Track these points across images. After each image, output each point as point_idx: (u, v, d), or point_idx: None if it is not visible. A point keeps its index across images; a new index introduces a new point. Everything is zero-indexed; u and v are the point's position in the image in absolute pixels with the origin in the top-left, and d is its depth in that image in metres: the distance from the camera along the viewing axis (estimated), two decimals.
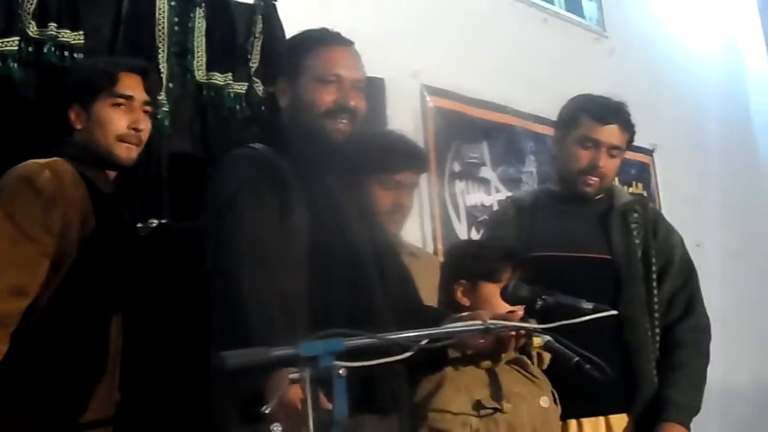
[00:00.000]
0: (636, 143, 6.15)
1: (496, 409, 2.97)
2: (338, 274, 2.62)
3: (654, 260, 3.63)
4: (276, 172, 2.68)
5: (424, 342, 2.15)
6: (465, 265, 3.19)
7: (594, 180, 3.63)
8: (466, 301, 3.16)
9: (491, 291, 3.13)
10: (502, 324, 2.54)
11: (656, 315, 3.60)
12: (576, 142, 3.62)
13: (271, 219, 2.60)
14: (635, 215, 3.68)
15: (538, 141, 5.39)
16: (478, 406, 2.97)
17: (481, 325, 2.46)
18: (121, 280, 2.86)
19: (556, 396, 3.17)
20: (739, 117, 7.72)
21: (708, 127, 7.08)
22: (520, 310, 2.97)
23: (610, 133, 3.60)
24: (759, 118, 7.93)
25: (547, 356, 3.19)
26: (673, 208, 6.35)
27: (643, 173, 6.42)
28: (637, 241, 3.62)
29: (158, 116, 3.26)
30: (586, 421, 3.44)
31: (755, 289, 7.08)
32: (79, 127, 2.93)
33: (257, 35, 3.75)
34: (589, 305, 2.65)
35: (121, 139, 2.92)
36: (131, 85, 2.95)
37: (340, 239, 2.66)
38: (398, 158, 3.32)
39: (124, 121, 2.92)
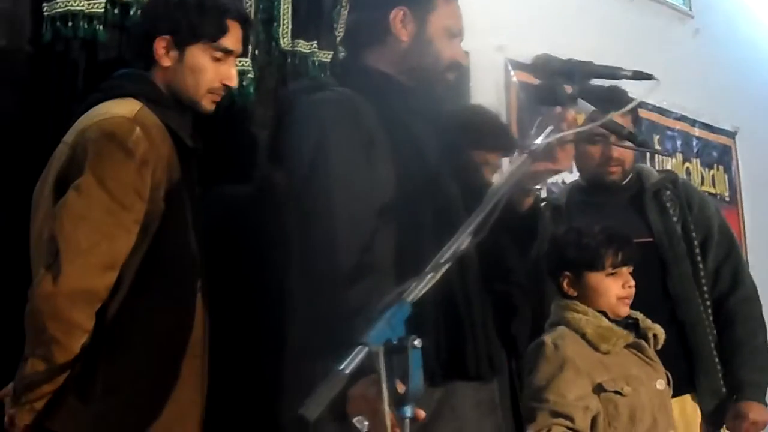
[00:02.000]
0: (718, 125, 6.15)
1: (616, 392, 2.96)
2: (430, 224, 2.37)
3: (694, 234, 3.63)
4: (364, 115, 2.42)
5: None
6: (568, 255, 3.14)
7: (615, 168, 3.64)
8: (573, 292, 3.13)
9: (597, 279, 3.10)
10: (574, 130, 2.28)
11: (705, 290, 3.60)
12: (584, 140, 3.59)
13: (363, 164, 2.35)
14: (668, 193, 3.68)
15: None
16: (599, 389, 2.97)
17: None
18: (203, 244, 2.68)
19: (670, 378, 3.14)
20: None
21: None
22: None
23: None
24: None
25: (661, 337, 3.18)
26: (754, 191, 6.27)
27: (724, 156, 6.30)
28: (674, 219, 3.63)
29: (244, 83, 3.21)
30: None
31: None
32: (166, 64, 2.70)
33: (344, 4, 3.69)
34: (627, 71, 2.30)
35: (211, 91, 2.75)
36: (235, 38, 2.77)
37: (434, 190, 2.41)
38: (491, 137, 3.28)
39: (219, 74, 2.74)
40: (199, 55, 2.72)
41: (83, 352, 2.42)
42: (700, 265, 3.62)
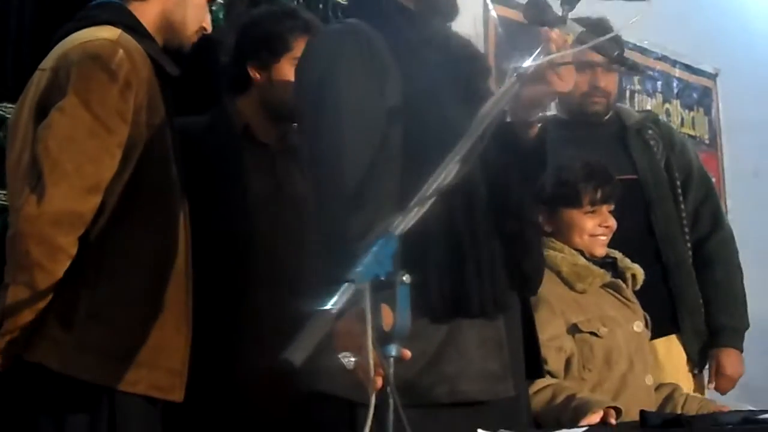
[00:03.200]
0: (699, 66, 6.08)
1: (592, 333, 2.92)
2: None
3: (677, 174, 3.62)
4: (374, 46, 2.35)
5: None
6: (545, 189, 3.06)
7: (600, 99, 3.59)
8: (548, 228, 3.08)
9: (574, 216, 3.05)
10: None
11: (686, 230, 3.60)
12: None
13: (372, 94, 2.30)
14: (650, 131, 3.66)
15: None
16: (573, 329, 2.92)
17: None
18: (182, 170, 2.68)
19: (648, 320, 3.11)
20: None
21: None
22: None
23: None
24: None
25: (640, 277, 3.14)
26: (733, 135, 6.22)
27: (704, 98, 6.24)
28: (658, 157, 3.61)
29: (213, 8, 3.10)
30: None
31: None
32: None
33: None
34: None
35: (198, 32, 2.75)
36: None
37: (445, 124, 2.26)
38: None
39: (207, 16, 2.76)
40: None
41: (65, 278, 2.40)
42: (682, 206, 3.61)
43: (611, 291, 3.06)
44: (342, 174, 2.20)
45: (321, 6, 3.60)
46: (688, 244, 3.62)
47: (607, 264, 3.11)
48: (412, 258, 1.73)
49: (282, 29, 3.07)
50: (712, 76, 6.32)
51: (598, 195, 3.03)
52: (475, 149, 1.85)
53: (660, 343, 3.42)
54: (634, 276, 3.14)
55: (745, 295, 3.69)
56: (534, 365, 2.52)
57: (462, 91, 2.41)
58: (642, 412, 2.37)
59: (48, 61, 2.54)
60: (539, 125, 2.35)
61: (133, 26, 2.61)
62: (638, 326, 3.05)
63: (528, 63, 2.04)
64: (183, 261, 2.62)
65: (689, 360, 3.59)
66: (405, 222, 1.73)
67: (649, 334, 3.13)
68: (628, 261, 3.15)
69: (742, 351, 3.64)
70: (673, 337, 3.55)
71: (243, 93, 3.14)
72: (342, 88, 2.28)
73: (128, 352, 2.47)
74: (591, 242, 3.05)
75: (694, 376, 3.64)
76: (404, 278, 1.68)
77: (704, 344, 3.61)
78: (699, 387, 3.66)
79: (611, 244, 3.15)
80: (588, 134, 3.60)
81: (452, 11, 2.54)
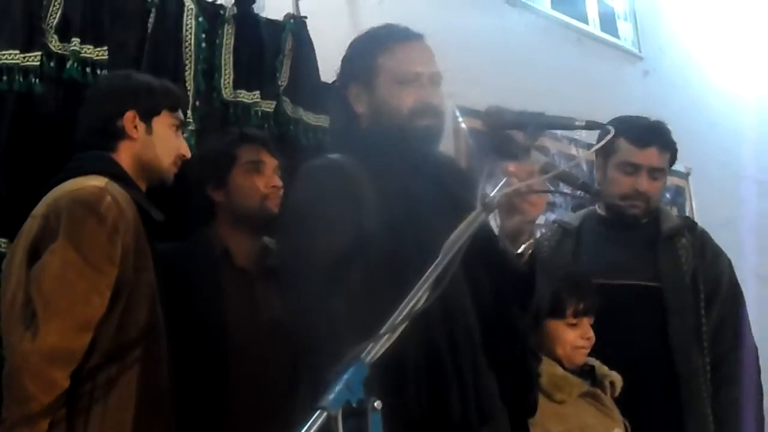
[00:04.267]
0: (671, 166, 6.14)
1: None
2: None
3: (702, 287, 3.50)
4: (354, 181, 2.46)
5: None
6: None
7: (639, 204, 3.51)
8: (534, 339, 3.06)
9: (558, 328, 3.08)
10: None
11: (705, 345, 3.46)
12: (616, 168, 3.50)
13: (348, 230, 2.37)
14: (683, 240, 3.55)
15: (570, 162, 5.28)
16: None
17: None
18: (166, 308, 2.76)
19: (628, 426, 3.09)
20: None
21: (744, 152, 6.95)
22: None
23: (650, 156, 3.48)
24: None
25: (618, 384, 3.13)
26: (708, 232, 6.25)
27: (678, 197, 6.30)
28: (685, 267, 3.50)
29: (184, 134, 3.15)
30: None
31: None
32: (134, 135, 2.80)
33: (286, 53, 3.67)
34: (581, 122, 2.24)
35: (174, 162, 2.88)
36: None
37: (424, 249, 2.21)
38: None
39: (180, 143, 2.91)
40: (164, 125, 2.86)
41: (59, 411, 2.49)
42: (704, 319, 3.49)
43: (590, 400, 3.05)
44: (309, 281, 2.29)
45: (293, 127, 3.64)
46: (707, 359, 3.46)
47: (585, 372, 3.10)
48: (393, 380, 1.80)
49: (224, 146, 3.17)
50: (684, 176, 6.37)
51: (581, 307, 3.04)
52: (445, 276, 1.86)
53: None
54: (612, 383, 3.12)
55: (763, 419, 3.51)
56: None
57: (445, 207, 2.41)
58: None
59: (39, 209, 2.64)
60: (529, 251, 2.37)
61: (119, 175, 2.73)
62: None
63: (494, 193, 2.09)
64: (168, 396, 2.70)
65: None
66: (376, 349, 1.75)
67: None
68: (605, 368, 3.14)
69: None
70: None
71: (214, 218, 3.17)
72: (317, 215, 2.38)
73: None
74: (573, 353, 3.06)
75: None
76: (375, 404, 1.69)
77: None
78: None
79: (626, 351, 3.16)
80: (621, 235, 3.56)
81: (407, 128, 2.58)
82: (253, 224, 3.12)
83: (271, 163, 3.16)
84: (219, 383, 2.94)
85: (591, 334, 3.08)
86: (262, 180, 3.12)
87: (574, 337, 3.05)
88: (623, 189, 3.51)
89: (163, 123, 2.86)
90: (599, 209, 3.68)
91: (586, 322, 3.07)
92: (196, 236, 3.16)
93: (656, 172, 3.51)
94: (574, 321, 3.06)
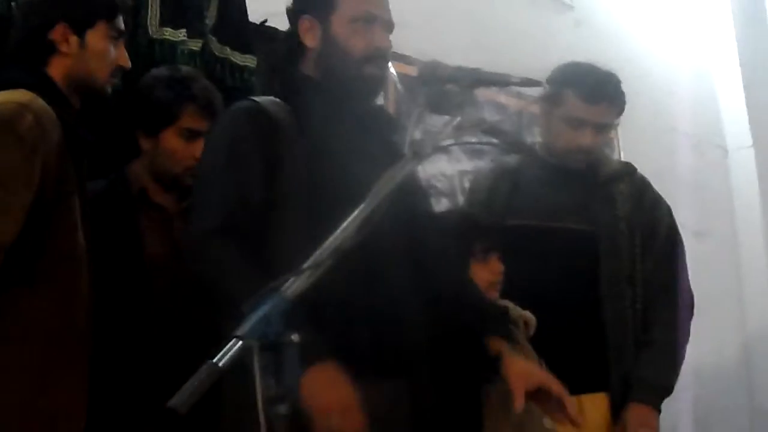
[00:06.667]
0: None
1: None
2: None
3: (638, 232, 3.50)
4: (278, 126, 2.52)
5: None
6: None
7: (581, 158, 3.51)
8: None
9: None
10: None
11: (638, 291, 3.47)
12: (562, 120, 3.48)
13: (262, 178, 2.47)
14: (621, 186, 3.55)
15: (501, 111, 5.35)
16: None
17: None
18: (89, 238, 2.67)
19: (543, 364, 3.07)
20: (707, 98, 7.63)
21: (676, 105, 7.00)
22: None
23: (599, 113, 3.46)
24: (726, 100, 7.84)
25: (532, 324, 3.17)
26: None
27: (605, 147, 6.34)
28: (620, 213, 3.50)
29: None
30: None
31: (718, 270, 7.02)
32: (65, 50, 2.66)
33: None
34: (516, 78, 2.27)
35: (113, 74, 2.77)
36: (121, 19, 2.79)
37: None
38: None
39: (116, 57, 2.77)
40: (100, 38, 2.71)
41: None
42: (638, 266, 3.49)
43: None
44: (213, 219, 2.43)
45: (220, 67, 3.61)
46: (638, 306, 3.48)
47: None
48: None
49: (169, 99, 3.07)
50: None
51: (486, 244, 3.08)
52: (369, 220, 1.90)
53: (587, 399, 3.32)
54: (526, 323, 3.16)
55: (677, 359, 3.50)
56: None
57: (371, 153, 2.52)
58: None
59: None
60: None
61: (48, 90, 2.60)
62: None
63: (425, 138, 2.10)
64: (84, 336, 2.61)
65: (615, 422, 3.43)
66: (297, 285, 1.77)
67: None
68: (519, 309, 3.17)
69: (658, 411, 3.42)
70: (603, 395, 3.42)
71: (137, 157, 3.15)
72: (231, 156, 2.50)
73: (24, 417, 2.45)
74: (488, 290, 3.10)
75: None
76: (293, 338, 1.70)
77: None
78: None
79: (555, 291, 3.22)
80: (558, 179, 3.52)
81: (354, 75, 2.64)
82: (172, 186, 3.12)
83: None
84: (137, 322, 2.93)
85: (500, 268, 3.14)
86: (194, 150, 3.02)
87: (486, 274, 3.10)
88: (567, 143, 3.49)
89: (98, 35, 2.70)
90: (542, 151, 3.67)
91: (495, 259, 3.12)
92: (117, 174, 3.14)
93: (603, 128, 3.51)
94: (483, 258, 3.10)
